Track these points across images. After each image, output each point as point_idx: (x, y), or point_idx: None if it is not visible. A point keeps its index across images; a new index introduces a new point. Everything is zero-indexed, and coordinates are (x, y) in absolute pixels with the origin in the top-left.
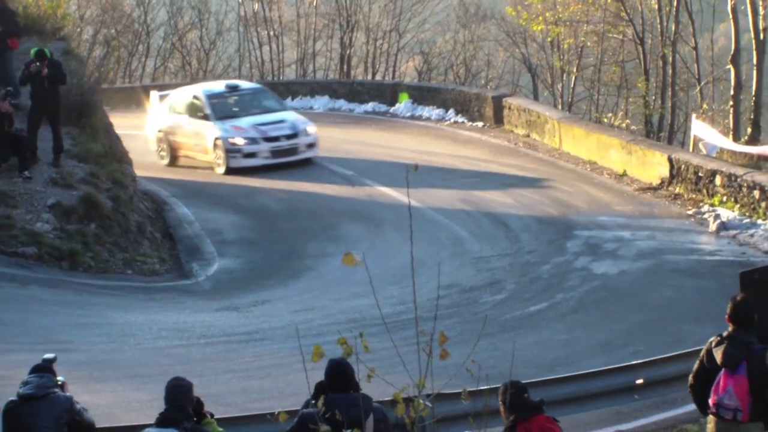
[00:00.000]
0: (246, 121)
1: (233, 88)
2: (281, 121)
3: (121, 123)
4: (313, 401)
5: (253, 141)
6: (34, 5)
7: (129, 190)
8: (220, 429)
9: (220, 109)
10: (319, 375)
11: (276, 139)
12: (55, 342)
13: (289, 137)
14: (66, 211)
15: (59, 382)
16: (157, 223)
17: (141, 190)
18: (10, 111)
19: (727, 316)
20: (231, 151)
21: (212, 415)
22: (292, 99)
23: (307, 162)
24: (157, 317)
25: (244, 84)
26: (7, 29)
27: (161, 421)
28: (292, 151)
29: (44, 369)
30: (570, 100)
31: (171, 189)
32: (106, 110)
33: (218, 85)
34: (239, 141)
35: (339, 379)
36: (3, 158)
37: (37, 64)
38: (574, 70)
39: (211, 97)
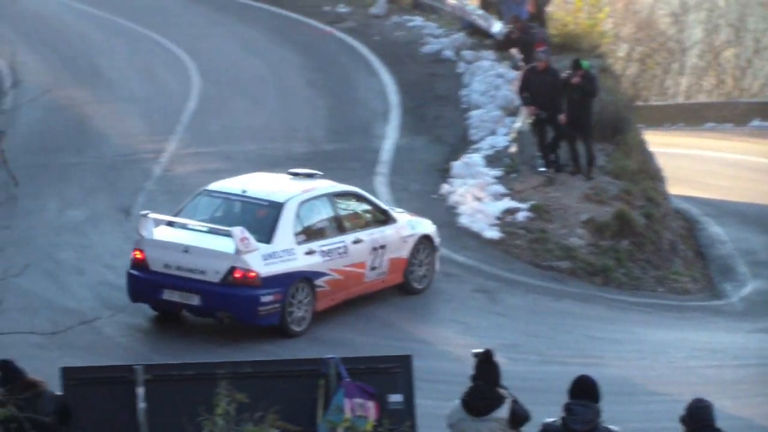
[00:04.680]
0: None
1: None
2: None
3: (654, 140)
4: None
5: None
6: (572, 23)
7: (662, 207)
8: None
9: None
10: None
11: None
12: (586, 356)
13: None
14: (599, 226)
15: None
16: (688, 241)
17: (673, 208)
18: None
19: None
20: None
21: None
22: None
23: None
24: (689, 336)
25: None
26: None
27: None
28: None
29: (586, 394)
30: None
31: (703, 208)
32: (640, 127)
33: None
34: None
35: None
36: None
37: (569, 72)
38: None
39: None
